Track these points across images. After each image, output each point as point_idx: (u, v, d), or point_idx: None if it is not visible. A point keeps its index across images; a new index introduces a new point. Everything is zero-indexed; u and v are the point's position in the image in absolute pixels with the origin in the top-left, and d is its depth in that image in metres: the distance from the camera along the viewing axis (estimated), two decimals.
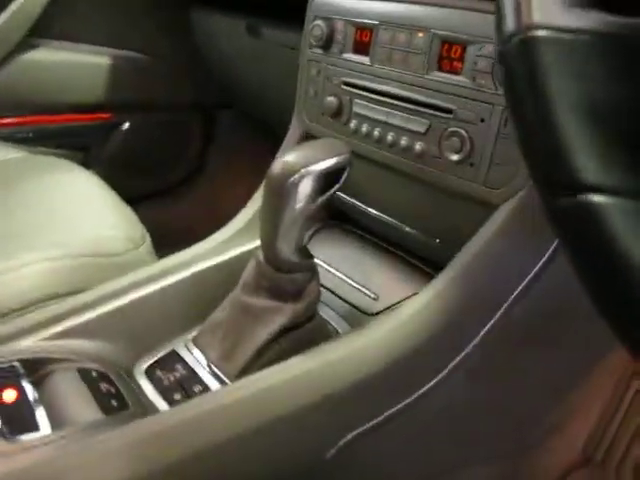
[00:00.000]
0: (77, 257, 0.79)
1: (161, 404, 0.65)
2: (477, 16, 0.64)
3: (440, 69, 0.68)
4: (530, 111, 0.31)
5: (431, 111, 0.69)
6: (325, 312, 0.76)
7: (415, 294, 0.75)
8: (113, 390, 0.63)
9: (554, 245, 0.65)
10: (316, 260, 0.80)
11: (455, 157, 0.67)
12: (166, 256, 0.97)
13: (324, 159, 0.64)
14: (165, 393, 0.67)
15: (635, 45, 0.29)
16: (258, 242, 0.82)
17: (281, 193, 0.64)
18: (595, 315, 0.74)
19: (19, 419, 0.55)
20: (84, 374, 0.63)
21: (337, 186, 0.68)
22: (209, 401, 0.57)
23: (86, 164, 1.39)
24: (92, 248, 0.82)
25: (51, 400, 0.59)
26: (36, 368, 0.62)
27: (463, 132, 0.66)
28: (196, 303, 0.77)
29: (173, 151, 1.55)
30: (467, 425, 0.76)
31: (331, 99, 0.80)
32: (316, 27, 0.80)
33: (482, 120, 0.64)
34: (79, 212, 0.92)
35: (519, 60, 0.31)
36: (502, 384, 0.74)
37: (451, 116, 0.67)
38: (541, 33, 0.29)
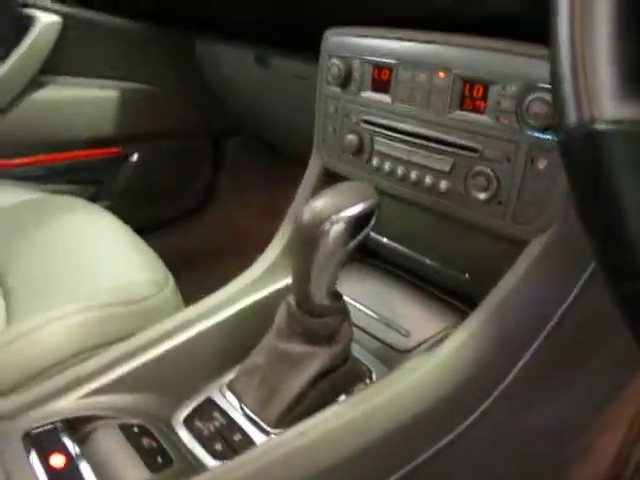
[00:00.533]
0: (105, 307, 0.79)
1: (204, 456, 0.65)
2: (498, 56, 0.65)
3: (463, 108, 0.68)
4: (597, 205, 0.31)
5: (455, 150, 0.69)
6: (356, 350, 0.76)
7: (446, 329, 0.76)
8: (155, 445, 0.63)
9: (585, 276, 0.66)
10: (344, 297, 0.81)
11: (482, 196, 0.67)
12: (186, 288, 0.98)
13: (353, 204, 0.65)
14: (206, 444, 0.67)
15: None
16: (286, 281, 0.84)
17: (312, 241, 0.64)
18: (620, 342, 0.75)
19: None
20: (126, 430, 0.63)
21: (367, 230, 0.68)
22: (256, 457, 0.57)
23: (98, 198, 1.40)
24: (120, 296, 0.82)
25: (98, 461, 0.59)
26: (78, 427, 0.62)
27: (489, 171, 0.66)
28: (228, 347, 0.77)
29: (183, 179, 1.56)
30: (505, 453, 0.76)
31: (351, 137, 0.81)
32: (333, 66, 0.81)
33: (508, 159, 0.65)
34: (102, 257, 0.92)
35: (582, 154, 0.31)
36: (538, 410, 0.75)
37: (477, 155, 0.67)
38: (604, 127, 0.30)
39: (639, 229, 0.30)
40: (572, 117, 0.31)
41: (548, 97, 0.59)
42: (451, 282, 0.80)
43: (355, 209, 0.65)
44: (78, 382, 0.66)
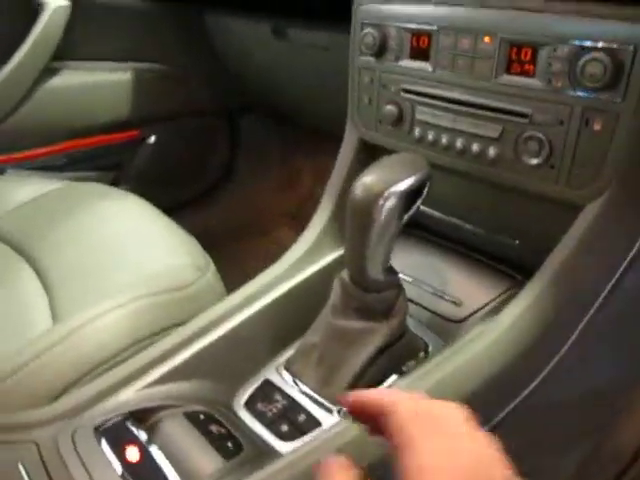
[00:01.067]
0: (151, 296, 0.78)
1: (271, 439, 0.65)
2: (546, 17, 0.63)
3: (510, 72, 0.67)
4: None
5: (504, 116, 0.68)
6: (410, 323, 0.76)
7: (499, 296, 0.76)
8: (224, 431, 0.63)
9: None
10: (404, 261, 0.81)
11: (534, 161, 0.66)
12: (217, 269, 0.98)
13: (405, 178, 0.64)
14: (272, 426, 0.67)
15: None
16: (331, 257, 0.83)
17: (367, 217, 0.63)
18: None
19: (150, 478, 0.56)
20: (192, 418, 0.63)
21: (419, 202, 0.67)
22: (327, 440, 0.57)
23: (118, 182, 1.39)
24: (164, 283, 0.81)
25: (171, 451, 0.59)
26: (145, 418, 0.62)
27: (541, 135, 0.65)
28: (281, 328, 0.77)
29: (201, 158, 1.54)
30: (566, 413, 0.77)
31: (390, 107, 0.79)
32: (367, 35, 0.79)
33: (561, 122, 0.63)
34: (139, 243, 0.92)
35: None
36: (598, 370, 0.76)
37: (527, 120, 0.66)
38: None
39: None
40: None
41: (604, 57, 0.58)
42: (501, 249, 0.80)
43: (407, 182, 0.64)
44: (136, 374, 0.66)
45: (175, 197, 1.52)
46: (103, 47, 1.31)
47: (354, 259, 0.67)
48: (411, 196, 0.66)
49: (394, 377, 0.72)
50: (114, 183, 1.39)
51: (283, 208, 1.70)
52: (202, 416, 0.64)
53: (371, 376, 0.69)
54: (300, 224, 0.91)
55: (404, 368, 0.73)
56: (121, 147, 1.38)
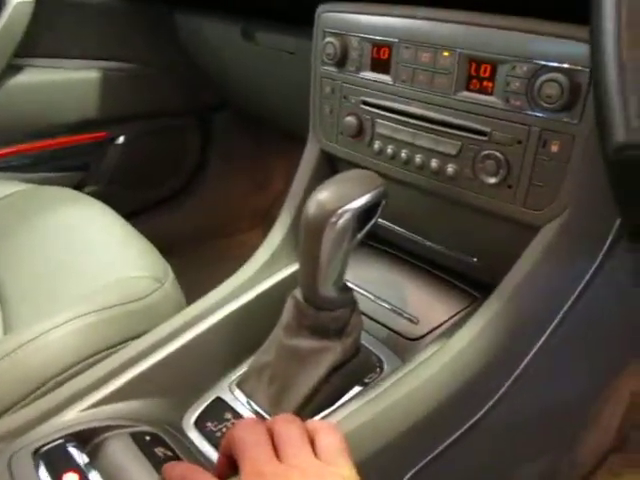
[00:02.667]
0: (105, 309, 0.76)
1: None
2: (506, 34, 0.62)
3: (469, 89, 0.65)
4: None
5: (463, 133, 0.67)
6: (365, 339, 0.75)
7: (456, 315, 0.75)
8: (170, 453, 0.61)
9: (600, 257, 0.65)
10: (351, 284, 0.79)
11: (492, 180, 0.65)
12: (183, 272, 0.96)
13: (360, 195, 0.63)
14: (220, 446, 0.65)
15: None
16: (290, 270, 0.82)
17: (318, 234, 0.62)
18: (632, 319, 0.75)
19: None
20: (138, 439, 0.61)
21: (374, 220, 0.66)
22: None
23: (85, 184, 1.36)
24: (119, 296, 0.79)
25: (112, 474, 0.57)
26: (87, 440, 0.60)
27: (499, 154, 0.64)
28: (234, 343, 0.75)
29: (172, 159, 1.52)
30: (518, 435, 0.77)
31: (350, 119, 0.78)
32: (328, 44, 0.77)
33: (519, 142, 0.62)
34: (97, 254, 0.89)
35: None
36: (553, 388, 0.76)
37: (485, 138, 0.65)
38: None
39: None
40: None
41: (561, 78, 0.57)
42: (459, 266, 0.79)
43: (362, 200, 0.62)
44: (82, 393, 0.64)
45: (145, 199, 1.50)
46: (69, 44, 1.28)
47: (306, 277, 0.66)
48: (365, 214, 0.64)
49: (357, 389, 0.70)
50: (81, 185, 1.36)
51: (253, 209, 1.68)
52: (148, 437, 0.62)
53: (324, 396, 0.68)
54: (270, 226, 0.90)
55: (366, 380, 0.72)
56: (88, 148, 1.35)
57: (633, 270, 0.71)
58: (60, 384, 0.67)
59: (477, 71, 0.64)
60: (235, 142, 1.59)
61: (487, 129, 0.64)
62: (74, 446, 0.59)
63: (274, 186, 1.69)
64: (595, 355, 0.80)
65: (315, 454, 0.43)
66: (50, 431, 0.60)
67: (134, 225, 1.01)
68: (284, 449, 0.42)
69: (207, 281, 1.02)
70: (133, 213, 1.40)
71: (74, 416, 0.63)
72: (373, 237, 0.87)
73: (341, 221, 0.61)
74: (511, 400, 0.67)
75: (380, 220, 0.79)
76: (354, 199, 0.62)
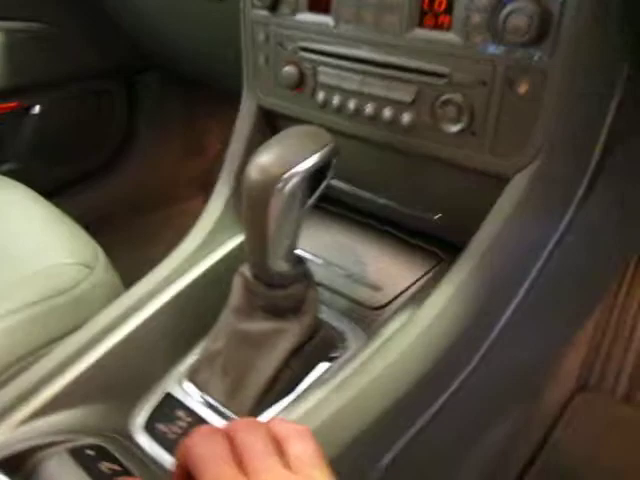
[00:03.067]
0: (30, 306, 0.67)
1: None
2: None
3: (423, 26, 0.58)
4: None
5: (418, 76, 0.59)
6: (324, 312, 0.68)
7: (420, 279, 0.69)
8: (117, 467, 0.53)
9: (572, 208, 0.60)
10: (304, 252, 0.72)
11: (454, 128, 0.58)
12: (118, 251, 0.86)
13: (307, 156, 0.55)
14: (175, 451, 0.58)
15: None
16: (231, 245, 0.74)
17: (264, 203, 0.54)
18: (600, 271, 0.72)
19: None
20: (78, 455, 0.53)
21: (326, 182, 0.59)
22: None
23: (1, 161, 1.23)
24: (43, 288, 0.69)
25: None
26: (19, 466, 0.52)
27: (460, 98, 0.57)
28: (178, 331, 0.67)
29: (95, 128, 1.39)
30: (491, 397, 0.72)
31: (288, 69, 0.69)
32: None
33: (483, 84, 0.55)
34: (15, 242, 0.79)
35: None
36: (525, 348, 0.72)
37: (444, 81, 0.57)
38: None
39: None
40: None
41: (529, 7, 0.49)
42: (421, 225, 0.72)
43: (310, 161, 0.55)
44: (8, 407, 0.56)
45: (68, 174, 1.37)
46: None
47: (254, 252, 0.58)
48: (315, 176, 0.57)
49: (325, 365, 0.64)
50: None
51: (190, 175, 1.57)
52: (90, 451, 0.54)
53: (284, 382, 0.61)
54: (209, 192, 0.81)
55: (335, 354, 0.65)
56: None
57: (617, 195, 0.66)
58: None
59: (431, 5, 0.56)
60: (164, 105, 1.47)
61: (446, 70, 0.57)
62: (5, 473, 0.51)
63: (210, 150, 1.58)
64: (567, 305, 0.76)
65: (284, 464, 0.36)
66: None
67: (58, 205, 0.91)
68: (249, 462, 0.35)
69: (148, 260, 0.93)
70: (56, 191, 1.28)
71: (0, 437, 0.54)
72: (324, 199, 0.79)
73: (288, 187, 0.54)
74: (486, 364, 0.62)
75: (333, 180, 0.72)
76: (301, 160, 0.54)
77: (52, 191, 1.02)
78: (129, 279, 0.82)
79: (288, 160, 0.54)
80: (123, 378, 0.62)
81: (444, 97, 0.58)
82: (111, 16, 1.26)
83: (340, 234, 0.76)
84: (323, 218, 0.78)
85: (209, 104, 1.49)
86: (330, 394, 0.55)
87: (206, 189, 1.56)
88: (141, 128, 1.45)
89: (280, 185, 0.53)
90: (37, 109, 1.25)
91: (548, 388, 0.96)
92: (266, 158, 0.54)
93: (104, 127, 1.40)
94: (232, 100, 0.82)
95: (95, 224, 0.93)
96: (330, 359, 0.65)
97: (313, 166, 0.55)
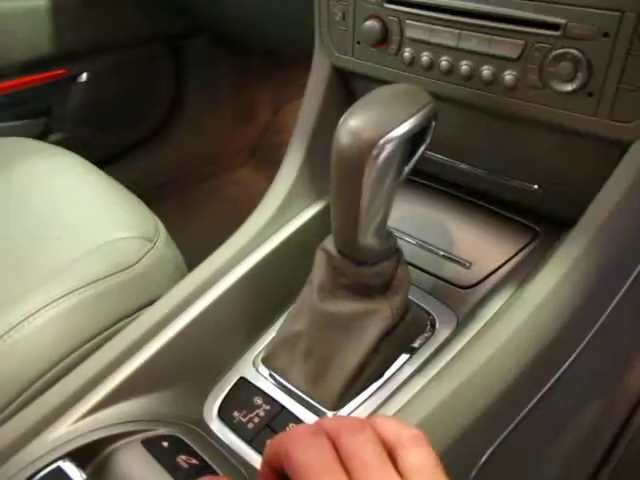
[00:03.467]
0: (90, 285, 0.62)
1: (259, 462, 0.52)
2: None
3: None
4: None
5: (526, 28, 0.52)
6: (413, 292, 0.62)
7: (515, 256, 0.63)
8: (195, 461, 0.49)
9: None
10: (405, 221, 0.67)
11: (567, 87, 0.51)
12: (176, 218, 0.81)
13: (405, 118, 0.49)
14: (255, 443, 0.53)
15: None
16: (306, 216, 0.69)
17: (359, 173, 0.48)
18: None
19: None
20: (153, 447, 0.49)
21: (424, 147, 0.53)
22: None
23: (51, 130, 1.19)
24: (105, 264, 0.65)
25: None
26: (91, 456, 0.48)
27: (577, 53, 0.50)
28: (252, 311, 0.63)
29: (144, 95, 1.34)
30: (585, 386, 0.66)
31: (371, 23, 0.62)
32: None
33: (605, 35, 0.48)
34: (74, 216, 0.74)
35: None
36: (632, 328, 0.66)
37: (558, 33, 0.50)
38: None
39: None
40: None
41: None
42: (515, 196, 0.66)
43: (408, 124, 0.49)
44: (76, 396, 0.52)
45: (118, 141, 1.33)
46: None
47: (343, 226, 0.53)
48: (413, 141, 0.51)
49: (404, 357, 0.58)
50: (45, 132, 1.19)
51: (240, 143, 1.51)
52: (165, 443, 0.50)
53: (373, 369, 0.56)
54: (260, 160, 0.76)
55: (415, 345, 0.59)
56: (48, 89, 1.16)
57: None
58: (46, 388, 0.53)
59: None
60: (212, 71, 1.41)
61: (561, 21, 0.50)
62: (75, 466, 0.46)
63: (261, 117, 1.52)
64: None
65: (400, 475, 0.31)
66: (40, 452, 0.47)
67: (109, 174, 0.86)
68: (361, 474, 0.30)
69: (202, 230, 0.89)
70: (107, 160, 1.24)
71: (68, 428, 0.50)
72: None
73: (384, 153, 0.48)
74: (589, 352, 0.56)
75: None
76: (398, 124, 0.48)
77: (101, 160, 0.98)
78: (186, 251, 0.78)
79: (384, 123, 0.48)
80: (195, 362, 0.58)
81: (557, 52, 0.51)
82: None
83: (427, 207, 0.70)
84: (409, 189, 0.72)
85: (259, 70, 1.43)
86: (430, 385, 0.50)
87: (255, 157, 1.52)
88: (189, 94, 1.40)
89: (376, 152, 0.47)
90: (84, 77, 1.21)
91: (630, 372, 0.90)
92: (359, 121, 0.49)
93: (152, 94, 1.36)
94: (283, 67, 0.76)
95: (145, 193, 0.89)
96: (418, 342, 0.59)
97: (411, 130, 0.49)
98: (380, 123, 0.48)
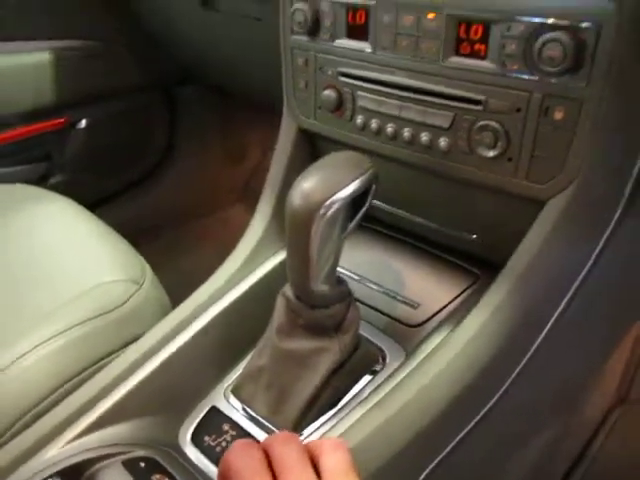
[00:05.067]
0: (81, 324, 0.70)
1: None
2: None
3: (459, 54, 0.59)
4: None
5: (455, 103, 0.61)
6: (364, 328, 0.70)
7: (459, 296, 0.70)
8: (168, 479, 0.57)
9: (607, 232, 0.60)
10: (344, 270, 0.74)
11: (490, 153, 0.60)
12: (161, 258, 0.89)
13: (348, 183, 0.57)
14: None
15: None
16: (276, 260, 0.76)
17: (307, 229, 0.56)
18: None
19: None
20: (132, 467, 0.57)
21: (365, 207, 0.61)
22: None
23: (49, 175, 1.28)
24: (95, 306, 0.73)
25: None
26: (76, 476, 0.56)
27: (496, 125, 0.58)
28: (225, 346, 0.70)
29: (139, 139, 1.43)
30: (527, 414, 0.73)
31: (328, 92, 0.71)
32: (297, 12, 0.70)
33: (518, 110, 0.57)
34: (67, 259, 0.82)
35: None
36: (560, 367, 0.73)
37: (480, 107, 0.59)
38: None
39: None
40: None
41: (564, 37, 0.51)
42: (457, 244, 0.74)
43: (350, 188, 0.57)
44: (66, 422, 0.59)
45: (112, 184, 1.42)
46: (17, 24, 1.18)
47: (296, 274, 0.61)
48: (356, 201, 0.59)
49: (367, 378, 0.66)
50: (45, 176, 1.27)
51: (231, 185, 1.61)
52: (142, 464, 0.58)
53: (326, 399, 0.63)
54: (250, 200, 0.84)
55: (368, 376, 0.67)
56: (49, 136, 1.25)
57: None
58: (39, 416, 0.61)
59: (467, 33, 0.58)
60: (204, 116, 1.51)
61: (482, 97, 0.58)
62: None
63: (251, 157, 1.61)
64: (604, 324, 0.77)
65: (319, 477, 0.38)
66: (34, 470, 0.55)
67: (104, 214, 0.95)
68: (284, 475, 0.37)
69: (190, 269, 0.96)
70: (102, 201, 1.33)
71: (59, 450, 0.58)
72: (364, 217, 0.82)
73: (329, 213, 0.56)
74: (522, 383, 0.63)
75: (373, 200, 0.74)
76: (342, 187, 0.56)
77: (96, 203, 1.06)
78: (173, 290, 0.86)
79: (329, 187, 0.56)
80: (172, 392, 0.66)
81: (480, 123, 0.59)
82: (151, 33, 1.30)
83: (380, 252, 0.78)
84: (363, 236, 0.80)
85: (248, 113, 1.52)
86: (370, 411, 0.57)
87: (246, 198, 1.60)
88: (182, 139, 1.49)
89: (322, 211, 0.55)
90: (83, 123, 1.30)
91: (586, 402, 0.96)
92: (308, 185, 0.57)
93: (146, 139, 1.45)
94: (272, 109, 0.85)
95: (138, 235, 0.97)
96: (372, 374, 0.67)
97: (353, 192, 0.57)
98: (326, 187, 0.56)
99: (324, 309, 0.62)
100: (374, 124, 0.68)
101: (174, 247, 1.38)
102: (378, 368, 0.68)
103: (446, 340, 0.61)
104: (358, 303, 0.67)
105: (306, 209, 0.56)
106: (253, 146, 1.60)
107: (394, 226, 0.80)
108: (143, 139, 1.44)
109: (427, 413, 0.57)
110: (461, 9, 0.57)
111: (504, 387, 0.62)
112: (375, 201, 0.74)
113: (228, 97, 1.47)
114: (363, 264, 0.77)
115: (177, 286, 0.84)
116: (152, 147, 1.46)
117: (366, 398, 0.61)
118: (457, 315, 0.68)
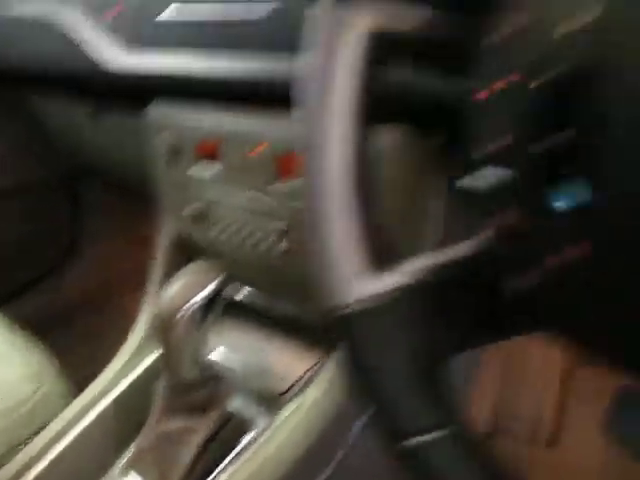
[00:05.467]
0: None
1: None
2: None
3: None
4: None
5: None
6: (238, 400, 0.82)
7: (314, 366, 0.83)
8: None
9: None
10: (220, 349, 0.87)
11: None
12: (67, 351, 0.96)
13: (201, 289, 0.71)
14: None
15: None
16: (151, 360, 0.88)
17: (170, 329, 0.70)
18: None
19: None
20: None
21: (220, 306, 0.74)
22: None
23: None
24: None
25: None
26: None
27: None
28: (117, 432, 0.81)
29: (38, 236, 1.47)
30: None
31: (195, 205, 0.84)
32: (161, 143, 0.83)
33: None
34: None
35: (342, 334, 0.37)
36: None
37: None
38: (348, 310, 0.34)
39: (393, 393, 0.34)
40: (329, 302, 0.36)
41: None
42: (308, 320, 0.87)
43: (203, 294, 0.70)
44: None
45: (15, 280, 1.44)
46: None
47: (168, 367, 0.73)
48: (210, 302, 0.72)
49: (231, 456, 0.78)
50: None
51: (139, 269, 1.67)
52: None
53: (204, 467, 0.75)
54: None
55: (240, 445, 0.79)
56: None
57: None
58: None
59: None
60: (106, 207, 1.56)
61: None
62: None
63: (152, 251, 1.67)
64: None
65: None
66: None
67: (6, 311, 1.00)
68: None
69: (95, 356, 1.02)
70: (4, 298, 1.33)
71: None
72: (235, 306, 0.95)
73: (187, 316, 0.70)
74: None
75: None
76: (195, 293, 0.70)
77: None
78: (76, 376, 0.93)
79: (184, 295, 0.70)
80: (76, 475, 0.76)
81: None
82: (44, 135, 1.36)
83: (248, 330, 0.91)
84: (234, 316, 0.93)
85: (150, 205, 1.60)
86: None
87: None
88: (85, 231, 1.55)
89: (180, 314, 0.69)
90: None
91: None
92: (169, 293, 0.70)
93: (47, 235, 1.49)
94: None
95: (43, 325, 1.03)
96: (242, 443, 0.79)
97: (207, 296, 0.71)
98: (182, 295, 0.70)
99: (195, 392, 0.75)
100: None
101: (80, 336, 1.41)
102: (251, 436, 0.80)
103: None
104: (230, 375, 0.80)
105: (168, 312, 0.70)
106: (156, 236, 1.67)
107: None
108: (43, 235, 1.48)
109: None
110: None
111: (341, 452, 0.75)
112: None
113: (130, 190, 1.55)
114: (233, 341, 0.89)
115: (82, 374, 0.92)
116: (53, 243, 1.51)
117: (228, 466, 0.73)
118: (314, 380, 0.81)
